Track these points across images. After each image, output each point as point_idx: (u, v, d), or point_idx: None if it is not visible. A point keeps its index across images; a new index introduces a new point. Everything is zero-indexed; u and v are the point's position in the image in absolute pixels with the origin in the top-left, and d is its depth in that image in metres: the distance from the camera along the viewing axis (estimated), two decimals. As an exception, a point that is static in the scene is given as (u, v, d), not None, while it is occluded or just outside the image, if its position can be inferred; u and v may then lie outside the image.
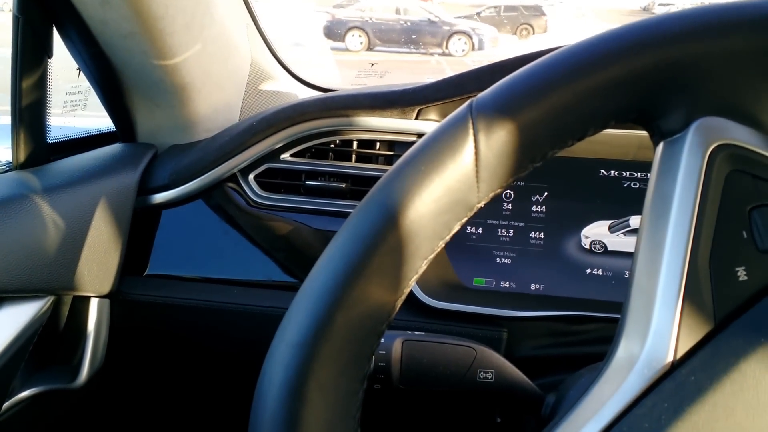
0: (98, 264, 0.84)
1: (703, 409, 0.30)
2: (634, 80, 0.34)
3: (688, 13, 0.35)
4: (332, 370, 0.32)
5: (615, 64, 0.34)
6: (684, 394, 0.30)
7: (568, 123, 0.34)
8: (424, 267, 0.34)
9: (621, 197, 0.85)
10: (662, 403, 0.31)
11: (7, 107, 0.84)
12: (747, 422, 0.29)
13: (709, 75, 0.34)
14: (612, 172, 0.86)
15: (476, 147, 0.33)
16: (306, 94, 1.21)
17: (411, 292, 0.55)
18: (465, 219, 0.34)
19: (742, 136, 0.34)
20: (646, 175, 0.85)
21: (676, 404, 0.30)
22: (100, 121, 1.04)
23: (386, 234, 0.33)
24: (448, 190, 0.33)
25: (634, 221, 0.84)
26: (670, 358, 0.32)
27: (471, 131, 0.33)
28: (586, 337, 0.81)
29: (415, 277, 0.34)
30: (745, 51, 0.33)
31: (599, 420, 0.32)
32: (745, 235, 0.34)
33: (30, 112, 0.85)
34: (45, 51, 0.84)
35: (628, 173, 0.85)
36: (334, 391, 0.32)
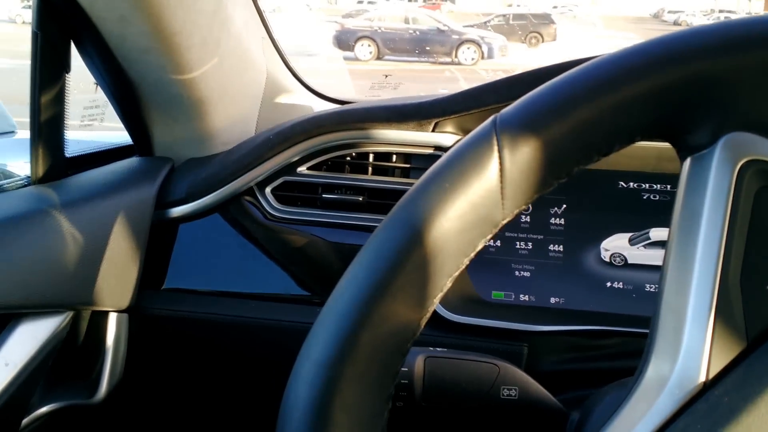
0: (117, 278, 0.84)
1: (737, 431, 0.29)
2: (662, 95, 0.33)
3: (715, 28, 0.34)
4: (358, 389, 0.31)
5: (642, 79, 0.33)
6: (717, 415, 0.30)
7: (594, 139, 0.34)
8: (449, 284, 0.34)
9: (641, 209, 0.84)
10: (695, 424, 0.30)
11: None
12: None
13: (738, 90, 0.33)
14: (631, 183, 0.85)
15: (501, 163, 0.33)
16: (321, 106, 1.21)
17: None
18: (490, 236, 0.34)
19: None
20: (666, 187, 0.84)
21: (709, 426, 0.30)
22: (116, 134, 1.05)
23: (411, 251, 0.32)
24: (473, 206, 0.33)
25: (655, 234, 0.83)
26: (702, 378, 0.32)
27: (496, 147, 0.33)
28: (607, 351, 0.80)
29: (440, 294, 0.34)
30: None
31: None
32: None
33: (48, 127, 0.86)
34: (63, 66, 0.85)
35: (647, 185, 0.84)
36: (359, 410, 0.31)
